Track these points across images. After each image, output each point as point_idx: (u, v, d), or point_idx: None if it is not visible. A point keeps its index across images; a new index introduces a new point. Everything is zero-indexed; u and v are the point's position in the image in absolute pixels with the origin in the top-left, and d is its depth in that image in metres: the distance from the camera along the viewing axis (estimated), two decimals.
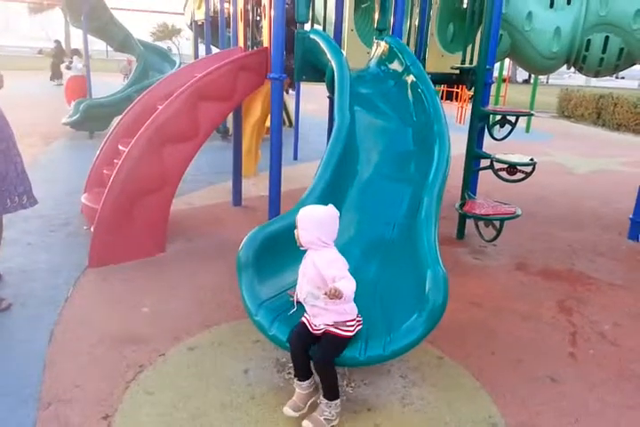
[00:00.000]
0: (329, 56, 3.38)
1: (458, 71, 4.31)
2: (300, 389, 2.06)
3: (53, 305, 2.87)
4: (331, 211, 2.03)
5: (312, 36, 3.68)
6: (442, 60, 4.52)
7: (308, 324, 2.03)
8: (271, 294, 2.31)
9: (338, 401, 2.00)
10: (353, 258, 2.60)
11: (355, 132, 3.16)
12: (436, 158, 2.95)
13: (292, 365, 2.19)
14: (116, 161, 3.73)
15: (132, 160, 3.50)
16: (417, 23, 4.28)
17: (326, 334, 1.97)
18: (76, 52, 12.12)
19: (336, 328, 1.96)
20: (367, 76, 3.70)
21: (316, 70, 3.82)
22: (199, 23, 8.07)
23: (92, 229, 3.48)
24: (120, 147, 4.05)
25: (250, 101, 6.05)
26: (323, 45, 3.49)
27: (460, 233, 4.23)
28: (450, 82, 5.15)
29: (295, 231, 2.04)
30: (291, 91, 12.10)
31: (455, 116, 10.60)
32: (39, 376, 2.24)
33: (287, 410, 2.03)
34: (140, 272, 3.34)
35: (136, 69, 9.28)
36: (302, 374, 2.06)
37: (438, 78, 4.36)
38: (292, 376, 2.11)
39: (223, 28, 5.48)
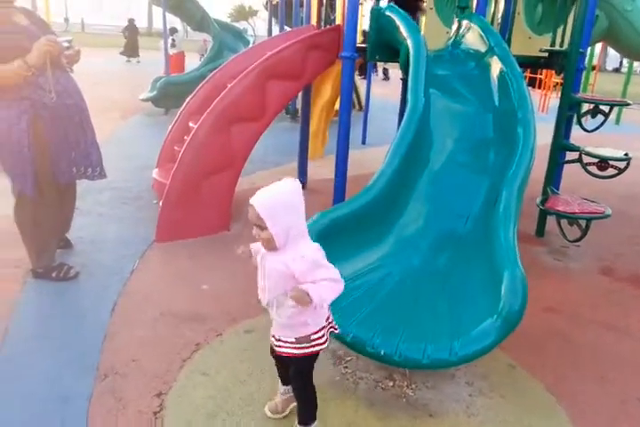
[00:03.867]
0: (405, 34, 3.19)
1: (547, 54, 3.97)
2: (280, 392, 1.89)
3: (119, 276, 2.93)
4: (293, 184, 1.52)
5: (387, 12, 3.49)
6: (528, 42, 4.19)
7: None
8: None
9: (314, 424, 1.72)
10: (420, 251, 2.46)
11: (429, 116, 2.97)
12: (520, 148, 2.71)
13: (349, 358, 2.10)
14: (186, 138, 3.76)
15: (200, 138, 3.51)
16: (502, 2, 3.98)
17: (289, 358, 1.63)
18: (174, 30, 12.37)
19: (298, 349, 1.59)
20: (445, 57, 3.48)
21: (391, 49, 3.64)
22: (274, 2, 8.04)
23: (160, 204, 3.53)
24: (190, 124, 4.08)
25: (320, 82, 5.93)
26: (398, 23, 3.30)
27: (540, 231, 3.91)
28: (537, 66, 4.79)
29: (256, 233, 1.51)
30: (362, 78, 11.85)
31: (538, 104, 9.94)
32: (99, 347, 2.28)
33: (266, 410, 1.90)
34: (205, 249, 3.35)
35: (211, 49, 9.39)
36: (282, 380, 1.87)
37: (524, 61, 4.03)
38: (349, 370, 2.02)
39: (297, 7, 5.39)
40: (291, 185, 1.50)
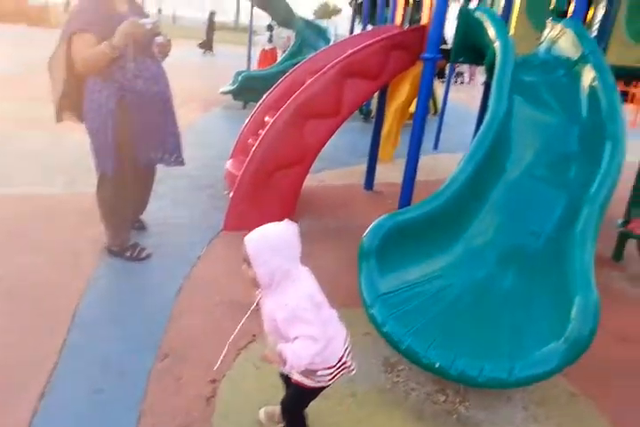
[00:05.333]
0: (492, 36, 3.09)
1: None
2: None
3: (187, 261, 3.06)
4: (288, 227, 1.51)
5: (477, 13, 3.39)
6: (628, 51, 3.92)
7: None
8: (391, 288, 2.19)
9: None
10: (486, 265, 2.38)
11: (509, 124, 2.86)
12: (606, 165, 2.55)
13: (401, 368, 2.06)
14: (260, 131, 3.84)
15: (274, 132, 3.57)
16: (602, 6, 3.74)
17: (293, 383, 1.61)
18: (271, 27, 12.75)
19: (303, 377, 1.55)
20: (534, 63, 3.33)
21: (476, 52, 3.53)
22: (359, 1, 8.03)
23: (230, 195, 3.63)
24: (266, 118, 4.16)
25: (397, 83, 5.86)
26: (488, 24, 3.19)
27: (618, 254, 3.65)
28: (636, 77, 4.47)
29: (244, 269, 1.49)
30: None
31: (628, 119, 9.32)
32: (163, 327, 2.39)
33: (261, 413, 1.86)
34: None
35: (293, 45, 9.53)
36: None
37: (622, 72, 3.77)
38: (400, 380, 1.98)
39: (382, 6, 5.33)
40: (286, 227, 1.50)
